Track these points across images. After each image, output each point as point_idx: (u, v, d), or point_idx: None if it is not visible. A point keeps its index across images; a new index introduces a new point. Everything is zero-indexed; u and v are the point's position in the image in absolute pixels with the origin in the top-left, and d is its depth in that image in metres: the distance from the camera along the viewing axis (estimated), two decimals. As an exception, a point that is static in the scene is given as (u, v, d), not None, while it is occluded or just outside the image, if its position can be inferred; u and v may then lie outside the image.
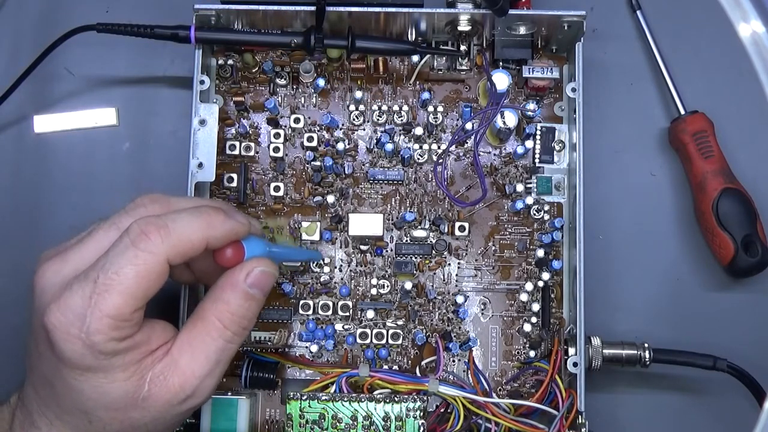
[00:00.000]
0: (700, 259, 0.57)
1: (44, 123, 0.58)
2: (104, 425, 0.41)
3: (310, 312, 0.54)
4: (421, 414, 0.50)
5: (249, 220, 0.44)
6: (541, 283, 0.54)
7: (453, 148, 0.56)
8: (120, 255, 0.39)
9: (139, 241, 0.39)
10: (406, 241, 0.55)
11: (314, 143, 0.55)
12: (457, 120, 0.56)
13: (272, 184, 0.55)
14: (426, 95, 0.55)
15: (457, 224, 0.55)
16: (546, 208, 0.55)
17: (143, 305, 0.40)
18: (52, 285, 0.41)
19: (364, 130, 0.56)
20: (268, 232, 0.55)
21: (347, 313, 0.54)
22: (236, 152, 0.55)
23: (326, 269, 0.55)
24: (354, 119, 0.56)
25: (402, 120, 0.55)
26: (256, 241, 0.45)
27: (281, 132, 0.55)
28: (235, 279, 0.43)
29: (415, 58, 0.55)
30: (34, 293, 0.42)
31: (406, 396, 0.50)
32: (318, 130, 0.56)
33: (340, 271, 0.55)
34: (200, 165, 0.52)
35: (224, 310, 0.42)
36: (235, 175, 0.55)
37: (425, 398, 0.50)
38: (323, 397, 0.50)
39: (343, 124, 0.56)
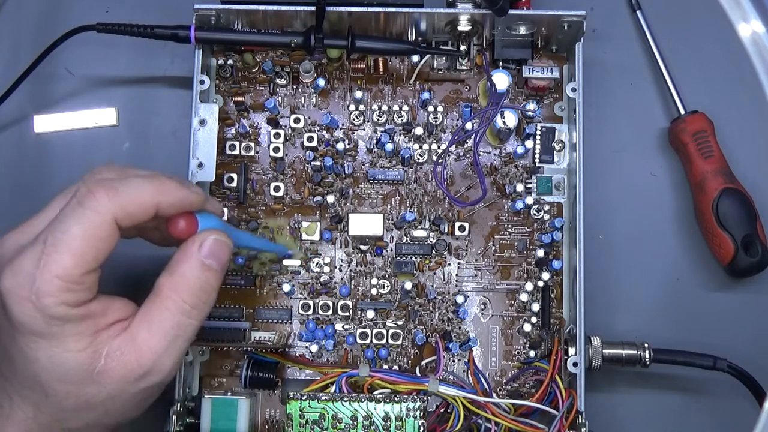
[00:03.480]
0: (700, 259, 0.57)
1: (44, 123, 0.58)
2: (60, 399, 0.41)
3: (310, 312, 0.54)
4: (421, 414, 0.50)
5: (207, 196, 0.44)
6: (541, 283, 0.54)
7: (453, 148, 0.56)
8: (67, 215, 0.39)
9: (86, 200, 0.39)
10: (406, 241, 0.55)
11: (314, 143, 0.55)
12: (457, 120, 0.56)
13: (272, 184, 0.55)
14: (426, 95, 0.55)
15: (457, 224, 0.55)
16: (546, 208, 0.55)
17: (95, 268, 0.40)
18: (9, 254, 0.41)
19: (364, 130, 0.56)
20: (268, 232, 0.55)
21: (347, 313, 0.54)
22: (236, 152, 0.55)
23: (326, 269, 0.55)
24: (354, 119, 0.56)
25: (402, 120, 0.55)
26: (212, 217, 0.44)
27: (281, 132, 0.55)
28: (189, 250, 0.42)
29: (415, 58, 0.55)
30: None
31: (406, 396, 0.50)
32: (318, 130, 0.56)
33: (340, 271, 0.55)
34: (200, 165, 0.52)
35: (180, 283, 0.42)
36: (235, 175, 0.55)
37: (425, 398, 0.50)
38: (323, 397, 0.50)
39: (343, 124, 0.56)
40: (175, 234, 0.43)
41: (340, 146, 0.55)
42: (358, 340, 0.54)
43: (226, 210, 0.54)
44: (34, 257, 0.39)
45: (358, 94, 0.55)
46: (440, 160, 0.55)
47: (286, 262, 0.54)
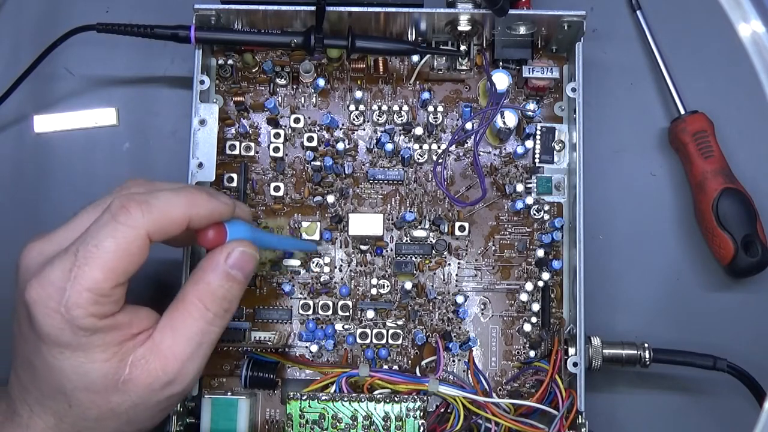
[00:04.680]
0: (700, 259, 0.57)
1: (44, 123, 0.58)
2: (84, 409, 0.41)
3: (310, 312, 0.54)
4: (421, 414, 0.50)
5: (234, 203, 0.44)
6: (541, 283, 0.54)
7: (453, 148, 0.56)
8: (100, 229, 0.39)
9: (120, 214, 0.40)
10: (406, 241, 0.55)
11: (314, 143, 0.55)
12: (457, 120, 0.56)
13: (272, 184, 0.55)
14: (426, 95, 0.55)
15: (457, 224, 0.55)
16: (546, 208, 0.55)
17: (124, 282, 0.40)
18: (35, 263, 0.41)
19: (364, 130, 0.56)
20: (268, 232, 0.55)
21: (347, 313, 0.54)
22: (236, 152, 0.55)
23: (326, 269, 0.55)
24: (354, 119, 0.56)
25: (402, 120, 0.55)
26: (240, 224, 0.45)
27: (281, 132, 0.55)
28: (216, 260, 0.43)
29: (415, 58, 0.55)
30: (18, 273, 0.42)
31: (406, 396, 0.50)
32: (318, 130, 0.56)
33: (340, 271, 0.55)
34: (200, 165, 0.52)
35: (205, 291, 0.42)
36: (235, 175, 0.55)
37: (425, 398, 0.50)
38: (323, 397, 0.50)
39: (343, 124, 0.56)
40: (205, 244, 0.43)
41: (340, 146, 0.55)
42: (358, 340, 0.54)
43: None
44: (64, 269, 0.39)
45: (358, 94, 0.55)
46: (440, 160, 0.55)
47: (286, 262, 0.54)
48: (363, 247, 0.55)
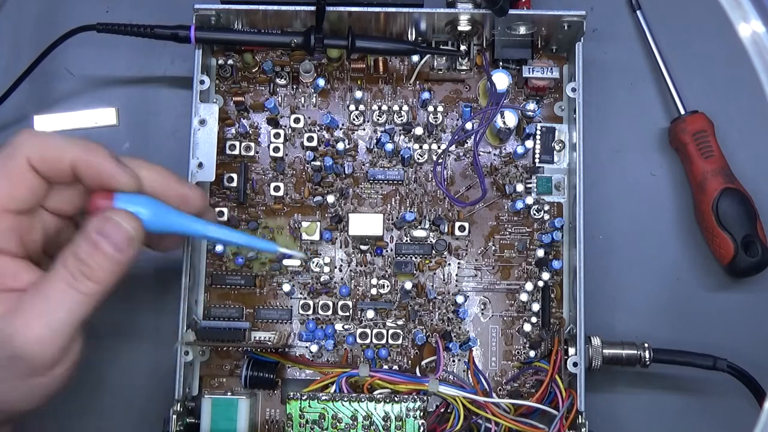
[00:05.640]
0: (700, 259, 0.57)
1: (44, 123, 0.58)
2: None
3: (310, 312, 0.54)
4: (421, 414, 0.50)
5: (140, 181, 0.43)
6: (541, 283, 0.54)
7: (453, 148, 0.56)
8: None
9: (8, 139, 0.41)
10: (406, 241, 0.55)
11: (314, 143, 0.55)
12: (457, 120, 0.56)
13: (272, 184, 0.55)
14: (426, 95, 0.55)
15: (457, 224, 0.55)
16: (546, 208, 0.55)
17: (11, 209, 0.40)
18: None
19: (364, 130, 0.56)
20: (268, 232, 0.55)
21: (347, 313, 0.54)
22: (236, 152, 0.55)
23: (326, 269, 0.55)
24: (354, 119, 0.56)
25: (402, 120, 0.55)
26: (144, 199, 0.43)
27: (281, 132, 0.55)
28: (87, 223, 0.42)
29: (415, 58, 0.55)
30: None
31: (406, 396, 0.50)
32: (318, 130, 0.56)
33: (340, 271, 0.55)
34: (200, 165, 0.52)
35: (68, 252, 0.41)
36: (235, 175, 0.55)
37: (425, 398, 0.50)
38: (323, 397, 0.50)
39: (343, 124, 0.56)
40: (90, 209, 0.42)
41: (340, 146, 0.55)
42: (358, 340, 0.54)
43: (225, 210, 0.54)
44: None
45: (358, 94, 0.55)
46: (440, 160, 0.55)
47: (286, 262, 0.54)
48: (363, 247, 0.55)
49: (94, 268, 0.41)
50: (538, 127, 0.55)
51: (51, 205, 0.44)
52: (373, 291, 0.54)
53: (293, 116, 0.56)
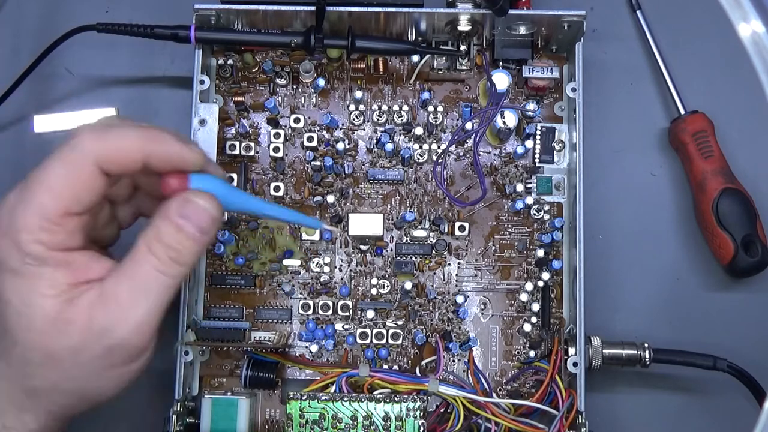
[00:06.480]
0: (700, 259, 0.57)
1: (44, 123, 0.58)
2: (26, 350, 0.40)
3: (310, 312, 0.54)
4: (421, 414, 0.50)
5: (207, 158, 0.43)
6: (541, 283, 0.54)
7: (453, 148, 0.56)
8: (52, 156, 0.39)
9: (71, 140, 0.39)
10: (406, 241, 0.55)
11: (314, 143, 0.55)
12: (457, 120, 0.56)
13: (272, 184, 0.55)
14: (426, 95, 0.55)
15: (457, 224, 0.55)
16: (546, 208, 0.55)
17: (78, 211, 0.39)
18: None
19: (364, 130, 0.56)
20: (268, 232, 0.55)
21: (347, 313, 0.54)
22: (236, 152, 0.55)
23: (326, 269, 0.55)
24: (354, 119, 0.56)
25: (402, 120, 0.55)
26: (211, 178, 0.43)
27: (281, 132, 0.55)
28: (167, 207, 0.41)
29: (415, 58, 0.55)
30: None
31: (406, 396, 0.50)
32: (318, 130, 0.56)
33: (340, 271, 0.55)
34: (200, 165, 0.52)
35: (151, 236, 0.40)
36: (235, 175, 0.55)
37: (425, 398, 0.50)
38: (323, 397, 0.50)
39: (343, 124, 0.56)
40: (165, 193, 0.41)
41: (340, 146, 0.55)
42: (358, 340, 0.54)
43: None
44: (17, 194, 0.39)
45: (358, 94, 0.55)
46: (440, 160, 0.55)
47: (286, 261, 0.54)
48: (363, 247, 0.55)
49: (181, 252, 0.41)
50: (538, 127, 0.55)
51: (108, 193, 0.43)
52: (373, 291, 0.54)
53: (293, 116, 0.56)
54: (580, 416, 0.50)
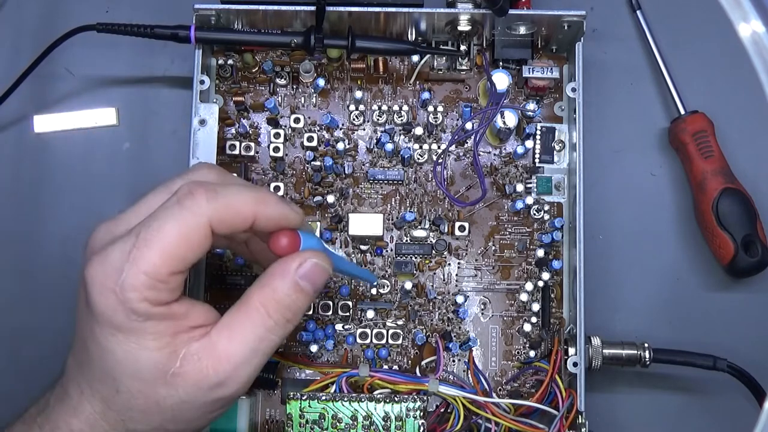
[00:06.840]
0: (700, 259, 0.57)
1: (44, 123, 0.58)
2: (130, 397, 0.40)
3: (310, 312, 0.54)
4: (421, 414, 0.50)
5: (304, 216, 0.43)
6: (541, 283, 0.54)
7: (453, 148, 0.56)
8: (164, 212, 0.39)
9: (185, 199, 0.39)
10: (406, 241, 0.55)
11: (314, 143, 0.55)
12: (457, 120, 0.56)
13: (272, 184, 0.55)
14: (426, 95, 0.55)
15: (457, 224, 0.55)
16: (546, 208, 0.55)
17: (183, 270, 0.39)
18: (100, 243, 0.40)
19: (364, 130, 0.56)
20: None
21: (347, 313, 0.54)
22: (236, 152, 0.55)
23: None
24: (354, 119, 0.56)
25: (402, 120, 0.55)
26: (314, 238, 0.43)
27: (281, 132, 0.55)
28: (287, 267, 0.41)
29: (415, 58, 0.55)
30: (84, 252, 0.41)
31: (406, 396, 0.50)
32: (318, 130, 0.56)
33: (340, 271, 0.55)
34: (200, 165, 0.52)
35: (269, 297, 0.41)
36: (235, 175, 0.55)
37: (425, 398, 0.50)
38: (323, 397, 0.50)
39: (343, 124, 0.56)
40: (277, 251, 0.41)
41: (340, 146, 0.55)
42: (358, 340, 0.54)
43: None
44: (124, 250, 0.38)
45: (358, 94, 0.55)
46: (440, 160, 0.55)
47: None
48: (363, 247, 0.55)
49: (296, 313, 0.41)
50: (538, 127, 0.55)
51: None
52: (373, 291, 0.54)
53: (293, 116, 0.56)
54: (580, 416, 0.50)
